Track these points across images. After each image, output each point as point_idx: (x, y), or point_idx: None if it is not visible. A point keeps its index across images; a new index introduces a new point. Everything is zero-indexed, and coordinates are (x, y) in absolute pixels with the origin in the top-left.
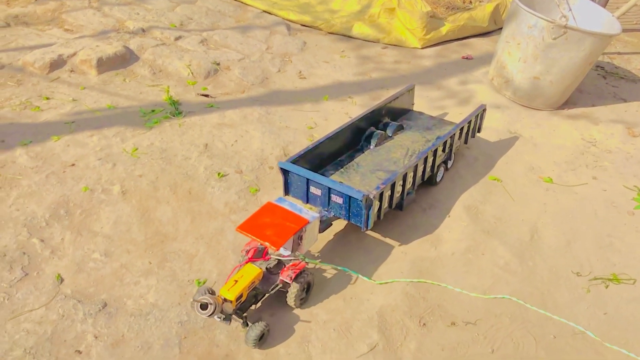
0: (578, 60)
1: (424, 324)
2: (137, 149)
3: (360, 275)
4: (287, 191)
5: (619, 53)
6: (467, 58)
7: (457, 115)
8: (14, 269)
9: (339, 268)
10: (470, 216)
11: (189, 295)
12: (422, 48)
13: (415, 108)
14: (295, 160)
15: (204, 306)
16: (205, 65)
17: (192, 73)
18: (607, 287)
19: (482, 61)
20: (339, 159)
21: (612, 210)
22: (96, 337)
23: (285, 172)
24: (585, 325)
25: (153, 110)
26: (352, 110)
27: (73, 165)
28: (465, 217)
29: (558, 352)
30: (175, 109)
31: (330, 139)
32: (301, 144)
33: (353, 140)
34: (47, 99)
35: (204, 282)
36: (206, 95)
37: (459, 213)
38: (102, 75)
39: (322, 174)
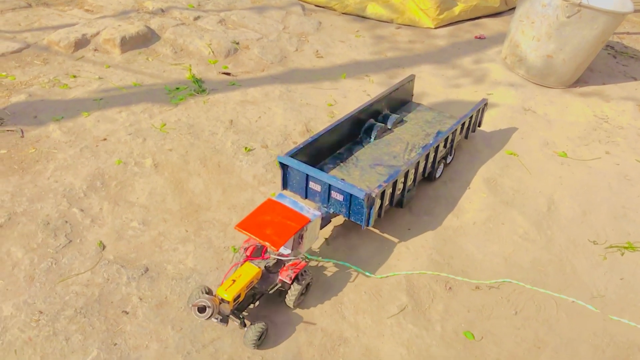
0: (591, 39)
1: (450, 287)
2: (165, 125)
3: (360, 271)
4: (285, 185)
5: (628, 33)
6: (479, 38)
7: (473, 93)
8: (58, 236)
9: (340, 263)
10: (490, 188)
11: (226, 261)
12: (435, 28)
13: (432, 87)
14: (294, 154)
15: (201, 309)
16: (225, 45)
17: (212, 52)
18: (622, 254)
19: (495, 41)
20: (337, 152)
21: (625, 183)
22: (141, 299)
23: (284, 167)
24: (603, 290)
25: (177, 88)
26: (370, 88)
27: (105, 139)
28: (484, 189)
29: (578, 314)
30: (199, 86)
31: (330, 131)
32: (322, 120)
33: (352, 132)
34: (74, 77)
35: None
36: (228, 74)
37: (479, 185)
38: (125, 54)
39: (321, 168)
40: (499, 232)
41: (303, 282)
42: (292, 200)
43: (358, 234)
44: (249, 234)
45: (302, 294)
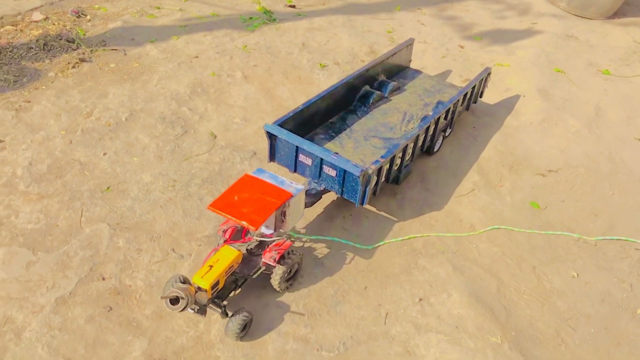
0: None
1: (515, 170)
2: (246, 46)
3: (352, 244)
4: (272, 157)
5: None
6: None
7: (518, 23)
8: (175, 128)
9: (327, 239)
10: (542, 97)
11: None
12: None
13: (481, 19)
14: (283, 123)
15: (174, 301)
16: None
17: None
18: None
19: None
20: (330, 121)
21: None
22: None
23: (271, 137)
24: None
25: (251, 18)
26: (423, 19)
27: (197, 57)
28: (537, 97)
29: (629, 192)
30: (270, 16)
31: (322, 98)
32: (385, 44)
33: (345, 100)
34: (158, 8)
35: None
36: (293, 6)
37: (532, 94)
38: None
39: (312, 138)
40: (553, 131)
41: (289, 263)
42: (271, 174)
43: None
44: (224, 214)
45: (290, 276)
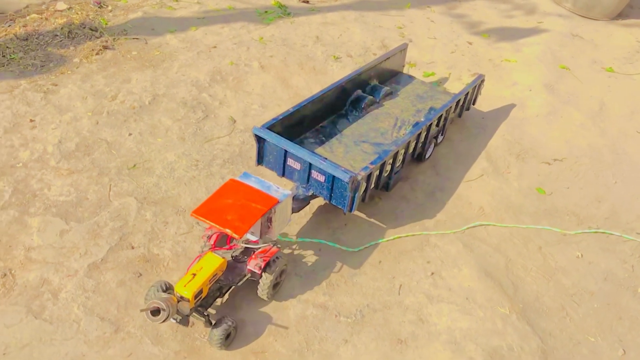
0: None
1: (522, 158)
2: (262, 38)
3: (338, 246)
4: (260, 160)
5: None
6: None
7: (525, 22)
8: (196, 112)
9: (314, 241)
10: (548, 91)
11: None
12: None
13: (488, 17)
14: (272, 126)
15: (155, 312)
16: None
17: None
18: None
19: None
20: (320, 125)
21: None
22: None
23: (259, 140)
24: None
25: (266, 11)
26: (432, 16)
27: (215, 47)
28: (544, 92)
29: (632, 181)
30: (284, 10)
31: (313, 101)
32: (395, 39)
33: (337, 104)
34: (177, 0)
35: None
36: (306, 2)
37: (539, 89)
38: None
39: (302, 142)
40: (558, 123)
41: (275, 270)
42: (258, 179)
43: None
44: (207, 221)
45: (277, 282)
